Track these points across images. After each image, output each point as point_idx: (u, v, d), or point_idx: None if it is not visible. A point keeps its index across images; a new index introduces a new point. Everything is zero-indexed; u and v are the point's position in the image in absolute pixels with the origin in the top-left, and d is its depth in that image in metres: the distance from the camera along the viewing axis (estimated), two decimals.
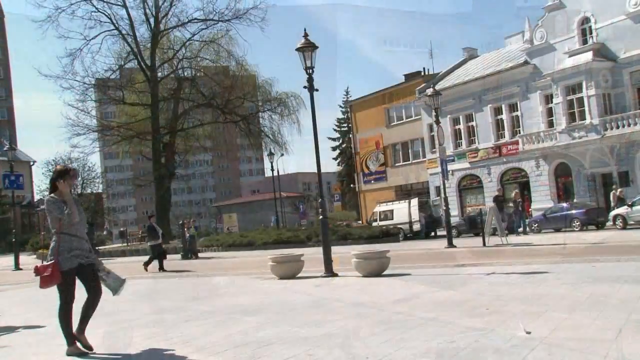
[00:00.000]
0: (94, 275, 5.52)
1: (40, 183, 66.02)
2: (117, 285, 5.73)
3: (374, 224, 31.77)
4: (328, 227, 12.82)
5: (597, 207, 26.94)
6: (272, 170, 38.94)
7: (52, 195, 5.49)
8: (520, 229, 23.90)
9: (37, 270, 5.33)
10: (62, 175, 5.50)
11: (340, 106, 66.75)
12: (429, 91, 21.73)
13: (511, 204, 25.19)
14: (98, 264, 5.64)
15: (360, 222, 41.48)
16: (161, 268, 17.25)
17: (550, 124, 32.25)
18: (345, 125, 64.16)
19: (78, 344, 5.39)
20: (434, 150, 35.30)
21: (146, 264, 17.41)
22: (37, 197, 60.08)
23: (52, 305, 9.94)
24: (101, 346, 5.87)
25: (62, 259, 5.31)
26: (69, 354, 5.36)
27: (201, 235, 37.52)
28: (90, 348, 5.40)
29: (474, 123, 36.44)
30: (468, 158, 36.86)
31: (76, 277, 5.46)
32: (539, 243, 18.31)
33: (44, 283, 5.31)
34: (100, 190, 73.21)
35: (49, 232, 5.88)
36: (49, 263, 5.32)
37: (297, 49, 12.50)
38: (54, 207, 5.36)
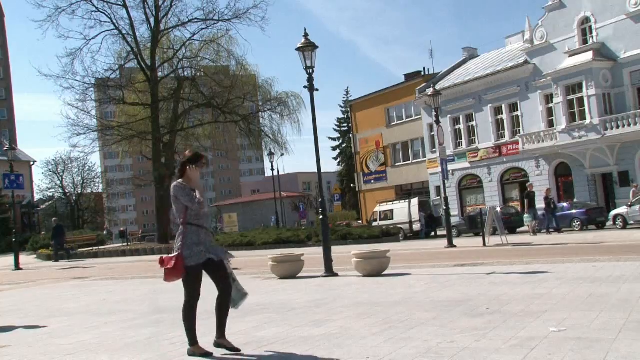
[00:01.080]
0: (225, 271, 5.16)
1: (40, 183, 65.95)
2: (238, 298, 5.36)
3: (374, 223, 31.79)
4: (328, 227, 12.82)
5: (597, 207, 26.95)
6: (272, 170, 38.98)
7: (179, 181, 5.07)
8: (551, 228, 23.04)
9: (162, 262, 5.00)
10: (193, 160, 5.09)
11: (340, 106, 66.88)
12: (429, 91, 21.73)
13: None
14: (228, 260, 5.25)
15: (360, 222, 41.52)
16: None
17: (551, 124, 32.27)
18: (345, 125, 64.21)
19: (200, 345, 5.12)
20: (434, 150, 35.32)
21: None
22: (37, 197, 60.16)
23: (52, 305, 9.96)
24: (101, 345, 5.87)
25: (188, 253, 4.93)
26: (190, 354, 5.09)
27: None
28: (236, 349, 5.11)
29: (474, 123, 36.45)
30: (468, 158, 36.87)
31: (203, 274, 5.13)
32: (539, 243, 18.31)
33: (167, 276, 5.01)
34: (100, 190, 73.31)
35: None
36: (173, 255, 4.96)
37: (297, 49, 12.51)
38: (182, 193, 4.95)
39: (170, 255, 4.98)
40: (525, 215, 23.39)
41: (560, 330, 5.05)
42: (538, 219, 22.87)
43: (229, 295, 5.14)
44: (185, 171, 5.08)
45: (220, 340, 5.11)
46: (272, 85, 38.21)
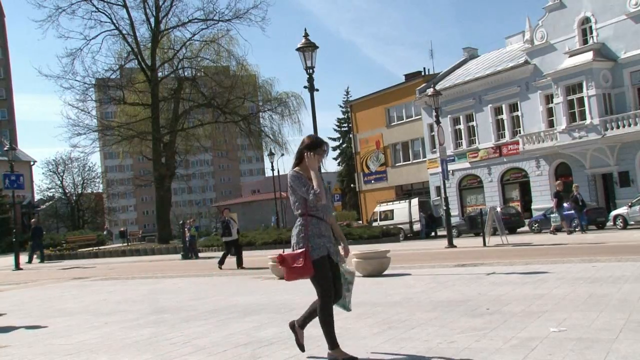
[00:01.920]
0: (335, 271, 4.62)
1: (40, 183, 65.94)
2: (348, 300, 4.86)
3: (375, 223, 31.80)
4: None
5: (598, 207, 26.95)
6: (273, 170, 39.00)
7: (296, 169, 4.59)
8: (576, 226, 21.69)
9: (283, 260, 4.46)
10: (312, 147, 4.55)
11: (341, 106, 66.91)
12: (429, 91, 21.73)
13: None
14: (341, 260, 4.71)
15: (360, 222, 41.51)
16: (239, 265, 16.35)
17: (551, 124, 32.28)
18: (346, 125, 64.23)
19: (342, 348, 4.61)
20: (434, 150, 35.32)
21: (220, 262, 16.56)
22: (37, 197, 60.14)
23: (52, 305, 9.96)
24: (101, 345, 5.87)
25: (312, 245, 4.42)
26: (331, 359, 4.56)
27: (201, 236, 37.57)
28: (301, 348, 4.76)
29: (474, 123, 36.46)
30: (468, 158, 36.88)
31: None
32: (539, 243, 18.30)
33: (293, 275, 4.46)
34: (100, 190, 73.31)
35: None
36: (299, 252, 4.41)
37: (298, 49, 12.51)
38: (298, 183, 4.48)
39: (296, 252, 4.44)
40: (553, 215, 22.52)
41: (560, 331, 5.05)
42: (565, 219, 21.68)
43: (327, 302, 4.59)
44: (302, 158, 4.59)
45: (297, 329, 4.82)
46: (272, 86, 38.33)
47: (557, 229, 22.00)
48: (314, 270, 4.41)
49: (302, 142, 4.66)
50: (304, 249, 4.40)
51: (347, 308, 4.97)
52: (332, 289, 4.53)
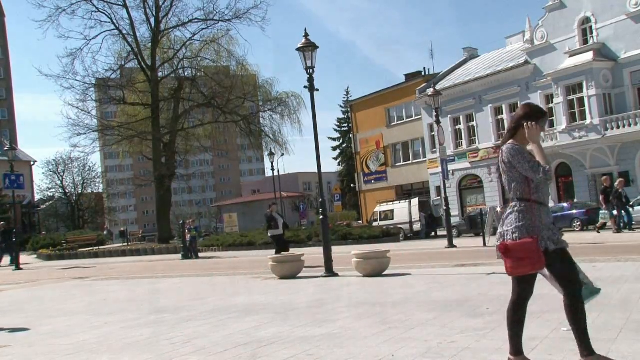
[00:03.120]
0: (570, 264, 3.91)
1: (40, 183, 65.92)
2: (587, 294, 4.19)
3: (375, 224, 31.80)
4: (328, 227, 12.82)
5: (598, 207, 26.88)
6: (273, 170, 39.01)
7: (511, 141, 3.94)
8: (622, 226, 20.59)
9: (508, 250, 3.77)
10: (533, 116, 3.89)
11: (341, 106, 66.85)
12: (430, 91, 21.75)
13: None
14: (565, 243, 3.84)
15: (360, 222, 41.50)
16: None
17: (551, 124, 32.25)
18: (346, 125, 64.17)
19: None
20: (434, 150, 35.32)
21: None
22: (37, 197, 60.13)
23: (52, 305, 9.96)
24: (101, 345, 5.87)
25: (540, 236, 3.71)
26: None
27: (200, 236, 37.56)
28: None
29: (474, 123, 36.47)
30: (468, 158, 36.88)
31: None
32: None
33: (523, 268, 3.73)
34: (100, 190, 73.32)
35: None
36: (529, 240, 3.67)
37: (298, 49, 12.52)
38: (520, 158, 3.83)
39: (525, 241, 3.69)
40: (602, 212, 21.39)
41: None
42: (613, 217, 20.66)
43: (576, 298, 3.94)
44: (519, 129, 3.94)
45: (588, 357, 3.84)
46: (272, 85, 38.35)
47: (618, 227, 20.54)
48: None
49: (517, 113, 4.00)
50: (534, 238, 3.67)
51: (597, 290, 4.36)
52: (532, 292, 4.00)
